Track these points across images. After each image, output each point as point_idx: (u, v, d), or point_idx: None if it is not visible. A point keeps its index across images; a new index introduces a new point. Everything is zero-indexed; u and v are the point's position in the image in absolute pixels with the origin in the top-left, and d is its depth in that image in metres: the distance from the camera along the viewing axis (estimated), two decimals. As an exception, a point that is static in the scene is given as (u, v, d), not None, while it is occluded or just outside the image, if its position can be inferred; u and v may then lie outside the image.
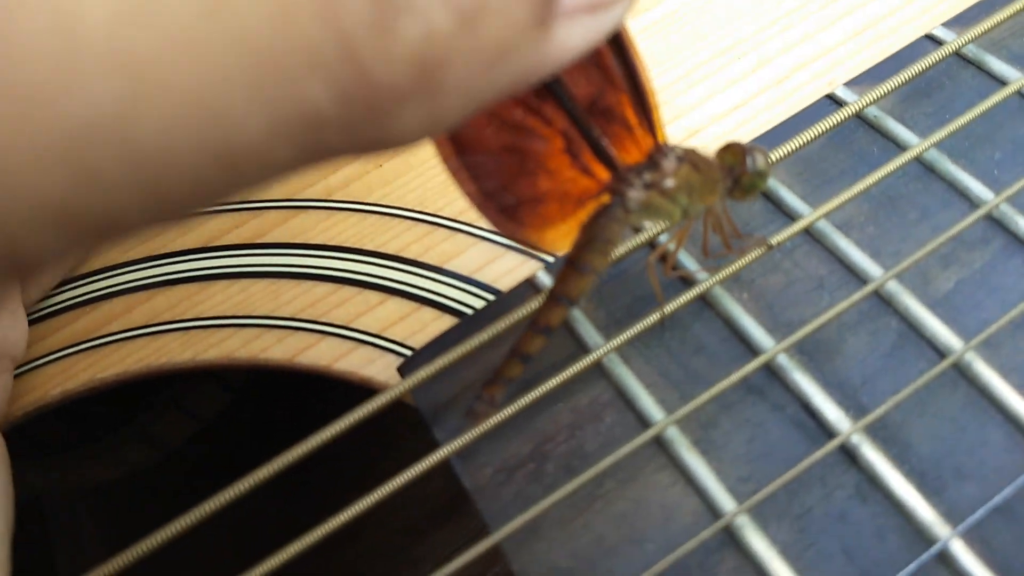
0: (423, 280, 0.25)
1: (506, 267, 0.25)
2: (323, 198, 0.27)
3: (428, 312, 0.24)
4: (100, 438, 0.37)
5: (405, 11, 0.12)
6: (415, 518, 0.37)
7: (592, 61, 0.18)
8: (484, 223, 0.25)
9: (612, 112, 0.18)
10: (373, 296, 0.25)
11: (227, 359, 0.25)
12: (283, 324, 0.25)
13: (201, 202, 0.12)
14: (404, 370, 0.23)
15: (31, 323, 0.27)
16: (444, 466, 0.20)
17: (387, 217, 0.26)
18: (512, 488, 0.20)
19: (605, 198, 0.19)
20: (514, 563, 0.19)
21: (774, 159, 0.22)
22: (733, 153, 0.20)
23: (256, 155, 0.11)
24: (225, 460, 0.36)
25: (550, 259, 0.24)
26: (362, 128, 0.12)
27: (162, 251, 0.27)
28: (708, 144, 0.26)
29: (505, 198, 0.18)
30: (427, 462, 0.19)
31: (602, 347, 0.21)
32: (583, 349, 0.21)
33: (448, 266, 0.25)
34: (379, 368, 0.24)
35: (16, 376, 0.26)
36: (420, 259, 0.25)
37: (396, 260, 0.25)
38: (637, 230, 0.23)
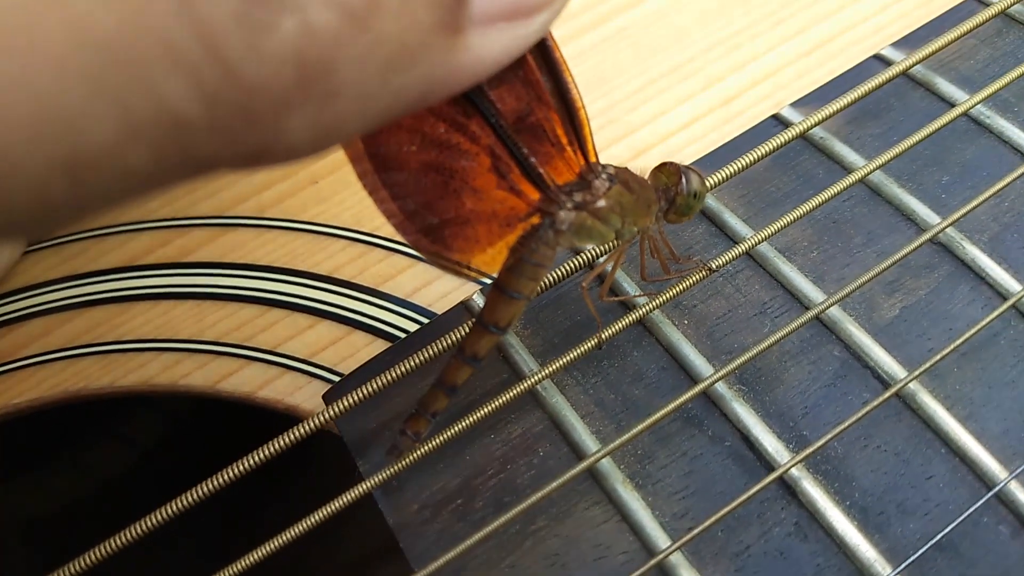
0: (356, 303, 0.24)
1: (443, 289, 0.24)
2: (254, 215, 0.26)
3: (360, 336, 0.23)
4: (31, 469, 0.35)
5: (279, 5, 0.11)
6: (360, 552, 0.35)
7: (518, 75, 0.17)
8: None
9: (541, 129, 0.17)
10: (303, 319, 0.24)
11: (146, 385, 0.23)
12: (206, 348, 0.24)
13: (54, 218, 0.11)
14: (329, 398, 0.21)
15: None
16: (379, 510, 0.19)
17: (321, 236, 0.25)
18: (438, 525, 0.19)
19: (534, 219, 0.18)
20: (436, 607, 0.17)
21: (716, 180, 0.22)
22: (667, 173, 0.19)
23: (108, 163, 0.10)
24: (165, 488, 0.34)
25: (488, 281, 0.23)
26: (239, 135, 0.11)
27: (82, 270, 0.26)
28: (655, 162, 0.25)
29: (428, 218, 0.17)
30: (347, 497, 0.18)
31: (537, 374, 0.20)
32: (517, 376, 0.20)
33: (383, 288, 0.24)
34: (306, 395, 0.23)
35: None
36: (354, 280, 0.24)
37: (328, 281, 0.24)
38: (576, 251, 0.22)
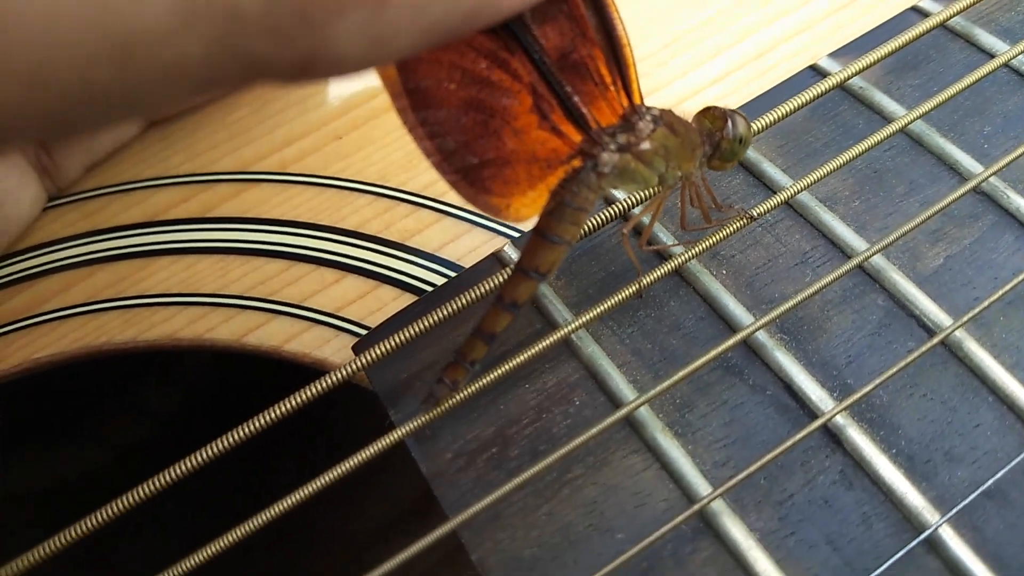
0: (383, 257, 0.23)
1: (472, 244, 0.23)
2: (277, 171, 0.26)
3: (388, 291, 0.23)
4: (47, 439, 0.35)
5: None
6: (386, 517, 0.35)
7: (562, 9, 0.16)
8: (449, 197, 0.24)
9: (584, 68, 0.17)
10: (329, 274, 0.23)
11: (170, 339, 0.23)
12: (231, 303, 0.23)
13: (101, 110, 0.10)
14: (359, 349, 0.21)
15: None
16: (411, 463, 0.18)
17: (345, 191, 0.25)
18: (472, 474, 0.18)
19: (576, 162, 0.17)
20: (473, 553, 0.17)
21: (755, 129, 0.21)
22: (712, 117, 0.18)
23: (160, 48, 0.10)
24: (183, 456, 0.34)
25: (516, 234, 0.23)
26: (292, 36, 0.11)
27: (103, 225, 0.25)
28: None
29: (467, 158, 0.17)
30: (380, 444, 0.18)
31: (571, 323, 0.19)
32: (551, 326, 0.20)
33: (410, 243, 0.23)
34: (334, 349, 0.22)
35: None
36: (380, 235, 0.24)
37: (354, 236, 0.24)
38: (609, 201, 0.21)
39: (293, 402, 0.18)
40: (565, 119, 0.17)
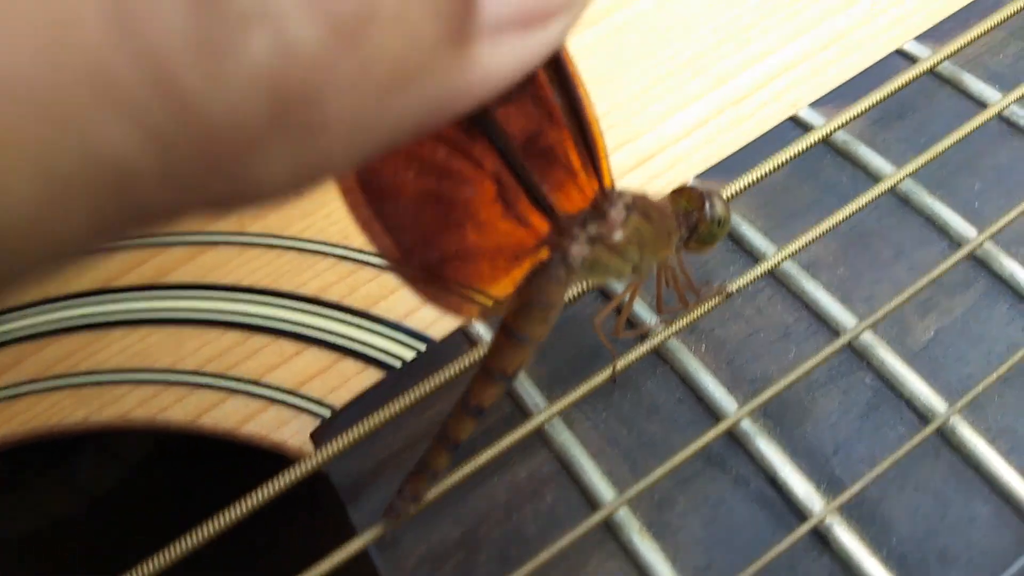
0: (345, 327, 0.22)
1: (438, 312, 0.22)
2: (235, 231, 0.24)
3: (350, 364, 0.22)
4: (19, 486, 0.33)
5: (247, 21, 0.09)
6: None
7: (527, 91, 0.15)
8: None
9: (552, 153, 0.15)
10: (288, 345, 0.22)
11: (123, 420, 0.22)
12: (185, 380, 0.22)
13: None
14: (318, 437, 0.20)
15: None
16: (371, 566, 0.17)
17: (307, 254, 0.24)
18: (439, 581, 0.17)
19: (544, 254, 0.16)
20: (439, 675, 0.16)
21: (734, 191, 0.20)
22: (689, 197, 0.17)
23: (35, 227, 0.08)
24: (152, 506, 0.33)
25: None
26: (200, 182, 0.09)
27: (56, 294, 0.24)
28: (662, 173, 0.24)
29: (426, 254, 0.16)
30: (339, 556, 0.17)
31: (544, 411, 0.18)
32: (522, 412, 0.19)
33: (374, 310, 0.22)
34: (293, 430, 0.21)
35: None
36: (342, 302, 0.23)
37: (315, 303, 0.23)
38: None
39: (252, 501, 0.17)
40: (531, 208, 0.16)
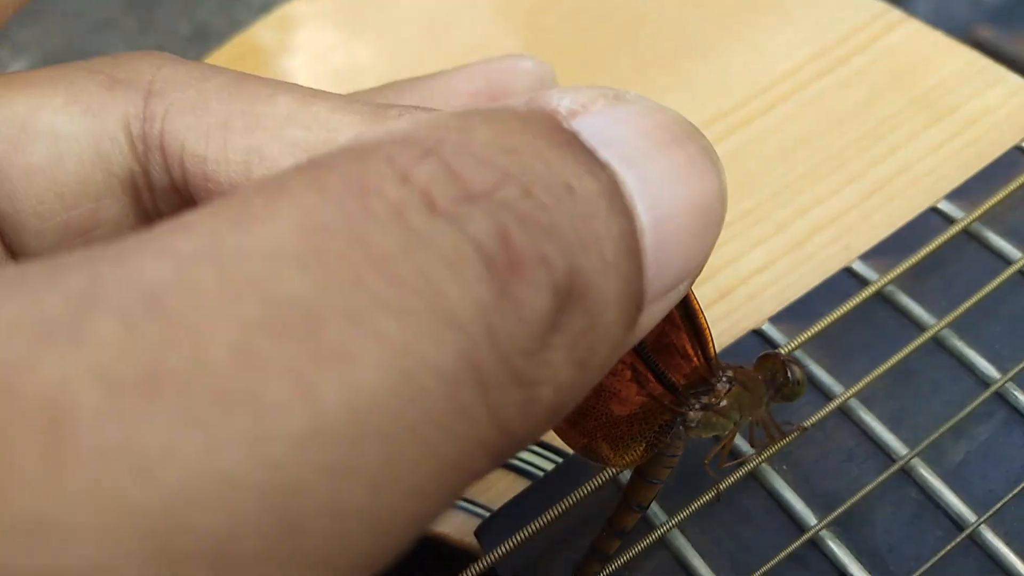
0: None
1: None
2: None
3: (500, 473, 0.27)
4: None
5: (542, 382, 0.13)
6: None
7: None
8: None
9: (673, 347, 0.21)
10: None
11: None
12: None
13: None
14: (482, 533, 0.26)
15: None
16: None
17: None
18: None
19: (666, 416, 0.22)
20: None
21: (805, 336, 0.26)
22: (773, 364, 0.23)
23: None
24: None
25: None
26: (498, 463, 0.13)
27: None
28: (739, 305, 0.29)
29: (584, 424, 0.21)
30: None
31: (666, 523, 0.24)
32: (645, 522, 0.25)
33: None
34: (453, 526, 0.27)
35: None
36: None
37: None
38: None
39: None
40: (658, 385, 0.21)
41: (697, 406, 0.21)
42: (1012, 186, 0.28)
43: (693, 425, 0.22)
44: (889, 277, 0.27)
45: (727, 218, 0.32)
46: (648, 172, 0.14)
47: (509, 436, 0.12)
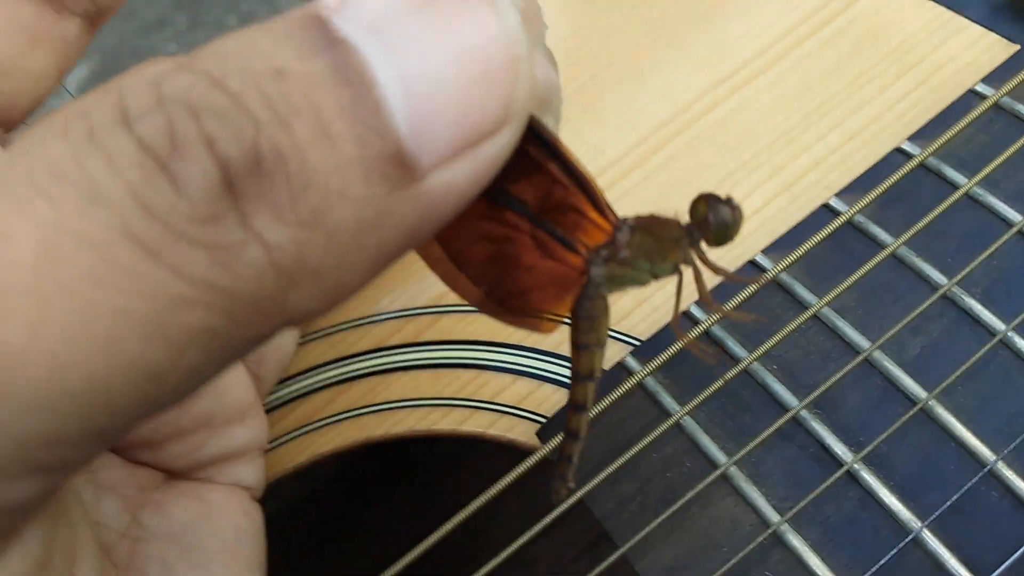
0: (542, 363, 0.35)
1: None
2: (459, 303, 0.37)
3: (549, 388, 0.34)
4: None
5: (241, 243, 0.14)
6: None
7: (531, 168, 0.19)
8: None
9: (565, 204, 0.20)
10: (507, 378, 0.35)
11: (410, 431, 0.35)
12: (445, 403, 0.35)
13: (140, 415, 0.15)
14: (542, 434, 0.32)
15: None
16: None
17: (508, 316, 0.36)
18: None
19: (584, 279, 0.21)
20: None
21: (789, 261, 0.32)
22: (700, 205, 0.21)
23: (170, 367, 0.14)
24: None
25: (636, 342, 0.34)
26: (261, 325, 0.15)
27: (345, 353, 0.37)
28: (739, 242, 0.35)
29: (499, 294, 0.22)
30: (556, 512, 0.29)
31: (678, 410, 0.30)
32: (664, 413, 0.31)
33: (559, 351, 0.35)
34: (519, 432, 0.34)
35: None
36: (537, 346, 0.35)
37: (520, 349, 0.35)
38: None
39: (514, 474, 0.30)
40: (564, 250, 0.21)
41: (599, 260, 0.21)
42: (962, 123, 0.33)
43: (600, 281, 0.21)
44: (856, 208, 0.33)
45: (731, 167, 0.38)
46: (394, 36, 0.14)
47: (221, 290, 0.14)
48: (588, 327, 0.22)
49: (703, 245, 0.22)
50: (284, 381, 0.38)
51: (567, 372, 0.34)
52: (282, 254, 0.14)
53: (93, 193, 0.14)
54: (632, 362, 0.33)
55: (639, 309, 0.35)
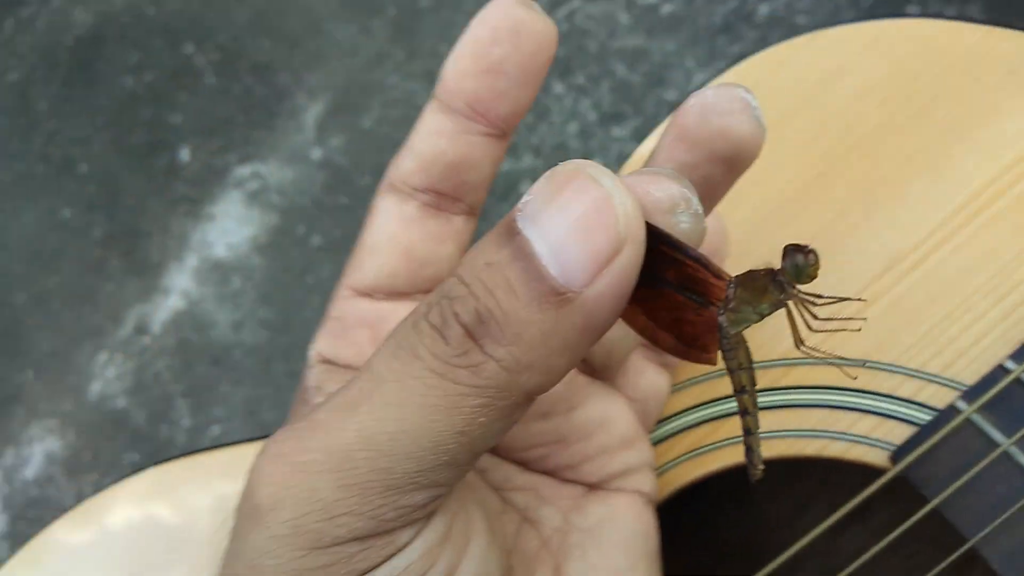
0: (884, 403, 0.46)
1: (928, 393, 0.45)
2: (803, 357, 0.49)
3: (892, 423, 0.45)
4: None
5: (483, 362, 0.23)
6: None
7: (669, 260, 0.26)
8: (909, 367, 0.46)
9: (695, 277, 0.27)
10: (854, 415, 0.46)
11: (780, 455, 0.47)
12: (807, 434, 0.47)
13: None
14: (896, 456, 0.44)
15: (654, 444, 0.50)
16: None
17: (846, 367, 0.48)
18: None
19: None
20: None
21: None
22: (783, 254, 0.26)
23: (468, 429, 0.24)
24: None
25: (963, 387, 0.45)
26: (508, 399, 0.24)
27: (717, 396, 0.50)
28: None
29: (684, 341, 0.29)
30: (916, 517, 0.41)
31: (1005, 441, 0.41)
32: (992, 443, 0.42)
33: (895, 393, 0.46)
34: (872, 456, 0.45)
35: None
36: (878, 390, 0.46)
37: (863, 392, 0.47)
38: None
39: (869, 490, 0.42)
40: (703, 307, 0.27)
41: (722, 311, 0.27)
42: None
43: (726, 325, 0.27)
44: None
45: (975, 285, 0.46)
46: (541, 220, 0.23)
47: (479, 387, 0.23)
48: (729, 357, 0.29)
49: (798, 286, 0.27)
50: (669, 418, 0.51)
51: (906, 410, 0.46)
52: (505, 362, 0.23)
53: (414, 352, 0.24)
54: (960, 403, 0.44)
55: (961, 359, 0.45)
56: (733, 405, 0.49)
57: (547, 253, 0.23)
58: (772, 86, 0.55)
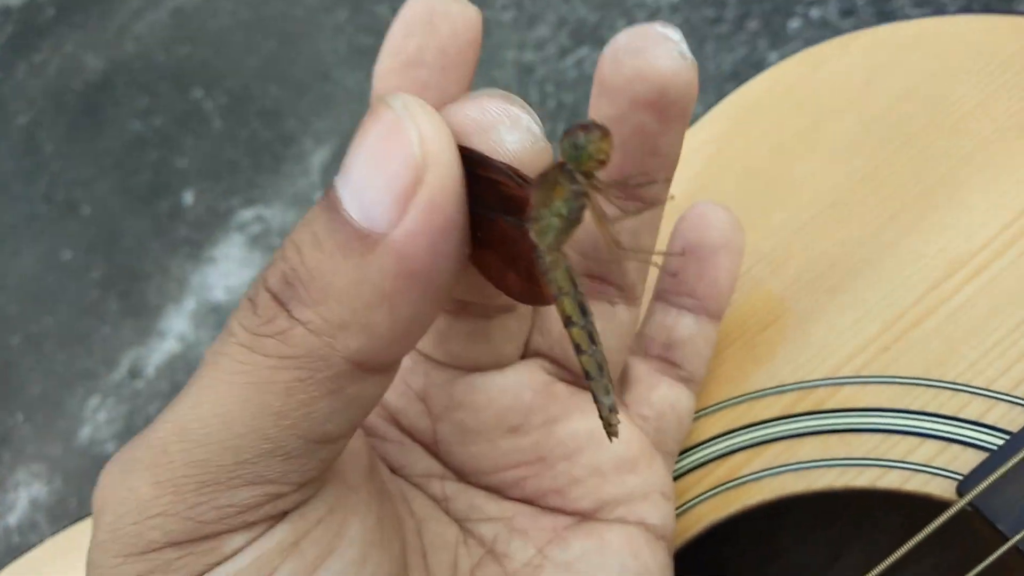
0: (947, 426, 0.40)
1: (998, 414, 0.39)
2: (852, 375, 0.43)
3: (957, 448, 0.39)
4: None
5: (290, 327, 0.21)
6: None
7: (490, 185, 0.22)
8: (974, 385, 0.41)
9: (509, 195, 0.23)
10: (914, 440, 0.40)
11: (828, 487, 0.41)
12: (858, 463, 0.41)
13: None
14: (962, 488, 0.38)
15: (681, 475, 0.44)
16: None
17: (907, 386, 0.42)
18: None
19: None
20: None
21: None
22: (560, 138, 0.22)
23: (290, 405, 0.21)
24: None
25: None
26: (329, 367, 0.21)
27: (754, 420, 0.44)
28: None
29: (525, 276, 0.24)
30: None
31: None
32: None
33: (960, 415, 0.40)
34: (934, 487, 0.39)
35: (678, 514, 0.43)
36: (940, 412, 0.41)
37: (922, 414, 0.41)
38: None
39: (933, 525, 0.36)
40: (520, 230, 0.23)
41: (529, 225, 0.23)
42: None
43: (536, 237, 0.23)
44: None
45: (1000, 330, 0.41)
46: (347, 163, 0.21)
47: (289, 357, 0.21)
48: (549, 280, 0.23)
49: (587, 176, 0.23)
50: (699, 445, 0.45)
51: (973, 434, 0.39)
52: (313, 323, 0.21)
53: (229, 329, 0.22)
54: (1039, 426, 0.38)
55: (1034, 376, 0.39)
56: (771, 431, 0.43)
57: (348, 196, 0.21)
58: (813, 87, 0.51)
